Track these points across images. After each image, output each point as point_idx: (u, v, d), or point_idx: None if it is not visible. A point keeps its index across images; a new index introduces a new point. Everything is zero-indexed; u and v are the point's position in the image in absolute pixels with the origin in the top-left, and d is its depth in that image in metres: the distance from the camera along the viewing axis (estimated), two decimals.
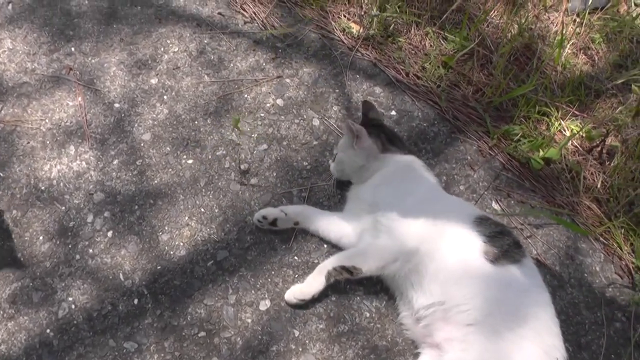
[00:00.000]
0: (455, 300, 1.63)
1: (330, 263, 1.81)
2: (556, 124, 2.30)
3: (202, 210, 2.00)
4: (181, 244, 1.93)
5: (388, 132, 2.03)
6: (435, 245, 1.70)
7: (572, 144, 2.29)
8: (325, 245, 1.95)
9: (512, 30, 2.55)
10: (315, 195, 2.06)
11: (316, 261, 1.91)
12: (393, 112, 2.31)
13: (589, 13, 2.64)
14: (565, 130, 2.31)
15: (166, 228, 1.96)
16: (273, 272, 1.89)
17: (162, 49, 2.43)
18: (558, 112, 2.32)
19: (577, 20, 2.66)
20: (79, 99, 2.24)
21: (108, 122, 2.20)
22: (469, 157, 2.21)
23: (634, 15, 2.67)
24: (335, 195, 2.07)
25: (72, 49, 2.41)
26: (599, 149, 2.28)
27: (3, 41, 2.40)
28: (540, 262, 1.97)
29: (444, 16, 2.52)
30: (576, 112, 2.35)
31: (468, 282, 1.64)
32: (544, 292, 1.67)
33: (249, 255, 1.91)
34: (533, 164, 2.18)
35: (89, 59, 2.38)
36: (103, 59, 2.38)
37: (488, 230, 1.70)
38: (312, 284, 1.80)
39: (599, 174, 2.22)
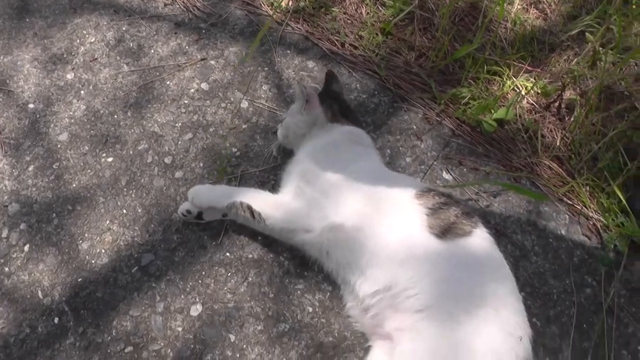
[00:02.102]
0: (401, 285, 1.45)
1: (241, 196, 1.71)
2: (508, 82, 2.17)
3: (124, 211, 1.87)
4: (103, 251, 1.79)
5: (344, 105, 1.89)
6: (369, 222, 1.55)
7: (527, 102, 2.15)
8: (259, 237, 1.81)
9: None
10: (247, 183, 1.93)
11: (250, 255, 1.79)
12: None
13: None
14: (518, 89, 2.17)
15: (86, 235, 1.82)
16: (204, 273, 1.76)
17: (78, 41, 2.27)
18: (510, 70, 2.18)
19: None
20: None
21: (22, 125, 2.05)
22: (414, 127, 2.07)
23: None
24: (269, 181, 1.92)
25: None
26: (556, 104, 2.15)
27: None
28: (499, 232, 1.85)
29: None
30: (529, 68, 2.21)
31: (413, 263, 1.46)
32: (503, 265, 1.49)
33: (176, 256, 1.78)
34: (485, 127, 2.05)
35: (1, 57, 2.22)
36: (16, 56, 2.22)
37: (431, 202, 1.54)
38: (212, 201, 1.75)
39: (558, 131, 2.08)
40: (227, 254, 1.79)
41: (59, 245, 1.81)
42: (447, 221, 1.49)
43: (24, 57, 2.22)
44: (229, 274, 1.76)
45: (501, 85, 2.16)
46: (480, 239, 1.49)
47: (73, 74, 2.18)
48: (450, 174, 1.96)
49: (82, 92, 2.13)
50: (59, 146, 2.01)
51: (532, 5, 2.44)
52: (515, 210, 1.91)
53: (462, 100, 2.11)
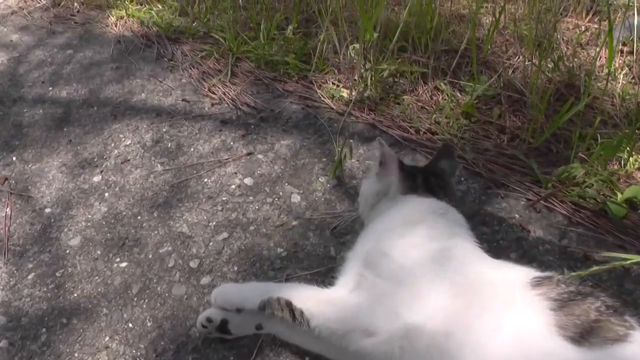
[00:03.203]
0: None
1: (279, 291, 1.24)
2: (631, 159, 1.67)
3: (130, 325, 1.42)
4: None
5: (439, 182, 1.42)
6: (462, 323, 1.02)
7: None
8: (307, 358, 1.29)
9: (546, 70, 2.01)
10: None
11: None
12: None
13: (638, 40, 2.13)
14: None
15: (76, 355, 1.38)
16: None
17: (113, 145, 2.02)
18: (632, 144, 1.69)
19: (625, 49, 2.12)
20: (7, 209, 1.80)
21: (33, 231, 1.73)
22: (516, 215, 1.60)
23: None
24: (323, 286, 1.43)
25: (14, 158, 2.05)
26: None
27: None
28: None
29: (453, 65, 2.08)
30: None
31: None
32: None
33: None
34: (612, 211, 1.55)
35: (29, 165, 2.00)
36: (44, 163, 2.00)
37: (556, 290, 1.01)
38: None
39: None
40: None
41: None
42: (587, 319, 0.94)
43: (53, 163, 1.99)
44: None
45: (622, 164, 1.68)
46: None
47: (100, 177, 1.89)
48: (575, 272, 1.41)
49: (106, 194, 1.82)
50: (67, 252, 1.65)
51: None
52: None
53: (575, 180, 1.62)
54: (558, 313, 0.96)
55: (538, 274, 1.08)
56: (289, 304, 1.20)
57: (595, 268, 1.32)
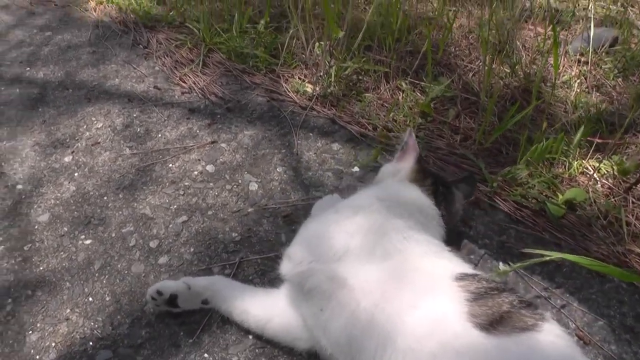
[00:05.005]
0: None
1: None
2: (575, 163, 1.80)
3: (90, 299, 1.53)
4: (53, 344, 1.44)
5: (447, 196, 1.51)
6: (382, 288, 1.15)
7: (601, 186, 1.76)
8: (250, 336, 1.41)
9: (503, 75, 2.13)
10: (244, 272, 1.57)
11: (235, 358, 1.37)
12: (355, 169, 1.89)
13: (593, 52, 2.24)
14: (589, 170, 1.79)
15: (39, 325, 1.48)
16: None
17: (85, 127, 2.11)
18: (576, 151, 1.82)
19: (582, 59, 2.24)
20: None
21: (4, 206, 1.83)
22: (460, 212, 1.70)
23: None
24: (272, 270, 1.57)
25: None
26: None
27: None
28: (584, 340, 1.37)
29: (415, 66, 2.19)
30: (599, 141, 1.84)
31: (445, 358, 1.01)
32: None
33: (139, 354, 1.40)
34: (551, 211, 1.67)
35: (3, 142, 2.08)
36: (18, 141, 2.07)
37: (475, 285, 1.11)
38: None
39: None
40: (206, 354, 1.39)
41: (3, 336, 1.46)
42: (498, 310, 1.05)
43: (26, 142, 2.07)
44: None
45: (567, 167, 1.81)
46: (553, 336, 1.01)
47: (71, 157, 1.98)
48: (510, 266, 1.55)
49: (75, 174, 1.92)
50: (36, 227, 1.75)
51: (594, 89, 2.16)
52: (604, 312, 1.44)
53: (519, 180, 1.75)
54: (472, 303, 1.05)
55: (467, 270, 1.19)
56: None
57: (520, 263, 1.46)
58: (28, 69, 2.50)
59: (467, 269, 1.22)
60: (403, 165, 1.51)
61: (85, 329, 1.46)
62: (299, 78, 2.27)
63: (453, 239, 1.42)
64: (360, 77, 2.25)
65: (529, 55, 2.33)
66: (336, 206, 1.44)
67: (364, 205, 1.37)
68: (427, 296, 1.11)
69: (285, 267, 1.34)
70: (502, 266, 1.56)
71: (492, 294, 1.09)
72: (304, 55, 2.32)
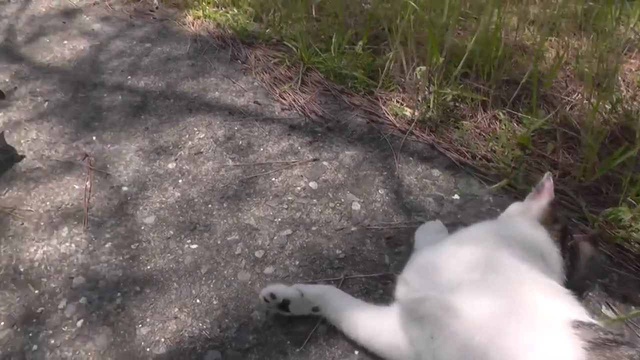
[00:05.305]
0: None
1: None
2: None
3: (198, 301, 1.59)
4: (162, 339, 1.50)
5: (573, 248, 1.51)
6: (499, 323, 1.16)
7: None
8: (356, 352, 1.45)
9: (604, 111, 2.13)
10: (349, 289, 1.62)
11: None
12: (456, 196, 1.92)
13: None
14: None
15: (148, 320, 1.55)
16: None
17: (187, 136, 2.20)
18: None
19: None
20: (87, 183, 2.00)
21: (111, 205, 1.92)
22: None
23: None
24: (376, 289, 1.61)
25: (94, 137, 2.24)
26: None
27: (29, 132, 2.28)
28: None
29: (513, 96, 2.23)
30: None
31: None
32: None
33: (247, 359, 1.45)
34: None
35: (108, 146, 2.18)
36: (122, 146, 2.18)
37: (592, 335, 1.10)
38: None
39: None
40: None
41: (115, 326, 1.54)
42: None
43: (130, 146, 2.17)
44: None
45: None
46: None
47: (175, 164, 2.07)
48: (613, 310, 1.54)
49: (179, 180, 2.00)
50: (142, 228, 1.83)
51: None
52: None
53: (621, 222, 1.74)
54: (590, 352, 1.05)
55: (584, 318, 1.18)
56: None
57: (633, 311, 1.45)
58: (129, 77, 2.62)
59: (585, 316, 1.21)
60: (535, 204, 1.53)
61: (194, 328, 1.52)
62: (397, 101, 2.33)
63: (574, 287, 1.41)
64: (456, 104, 2.29)
65: (629, 91, 2.32)
66: (455, 237, 1.48)
67: (485, 239, 1.40)
68: (544, 339, 1.12)
69: (401, 291, 1.39)
70: (604, 310, 1.55)
71: (610, 345, 1.08)
72: (402, 79, 2.37)
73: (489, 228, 1.50)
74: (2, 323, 1.57)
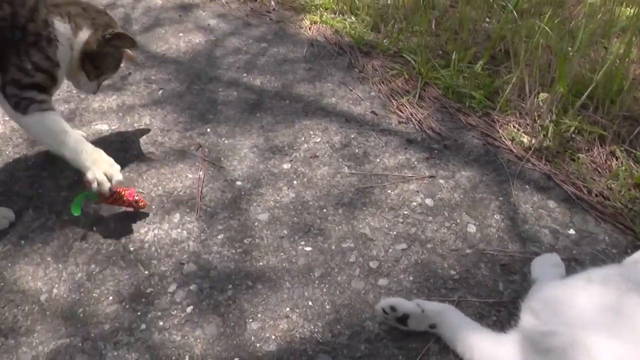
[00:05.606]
0: None
1: None
2: None
3: (310, 303, 1.60)
4: (273, 337, 1.51)
5: None
6: None
7: None
8: None
9: None
10: (463, 312, 1.58)
11: None
12: (571, 231, 1.86)
13: None
14: None
15: (259, 316, 1.56)
16: None
17: (303, 139, 2.23)
18: None
19: None
20: (200, 173, 2.05)
21: (224, 198, 1.95)
22: None
23: None
24: (489, 315, 1.57)
25: (208, 129, 2.29)
26: None
27: (143, 118, 2.36)
28: None
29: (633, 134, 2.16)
30: None
31: None
32: None
33: None
34: None
35: (222, 139, 2.23)
36: (237, 141, 2.22)
37: None
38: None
39: None
40: None
41: (225, 317, 1.56)
42: None
43: (244, 142, 2.21)
44: None
45: None
46: None
47: (290, 165, 2.10)
48: None
49: (294, 182, 2.02)
50: (255, 224, 1.86)
51: None
52: None
53: None
54: None
55: None
56: None
57: None
58: (245, 74, 2.67)
59: None
60: None
61: (305, 330, 1.52)
62: (513, 126, 2.28)
63: None
64: (572, 136, 2.22)
65: None
66: (585, 275, 1.42)
67: (617, 282, 1.35)
68: None
69: (529, 322, 1.34)
70: None
71: None
72: (522, 104, 2.32)
73: (620, 272, 1.45)
74: (111, 298, 1.63)
